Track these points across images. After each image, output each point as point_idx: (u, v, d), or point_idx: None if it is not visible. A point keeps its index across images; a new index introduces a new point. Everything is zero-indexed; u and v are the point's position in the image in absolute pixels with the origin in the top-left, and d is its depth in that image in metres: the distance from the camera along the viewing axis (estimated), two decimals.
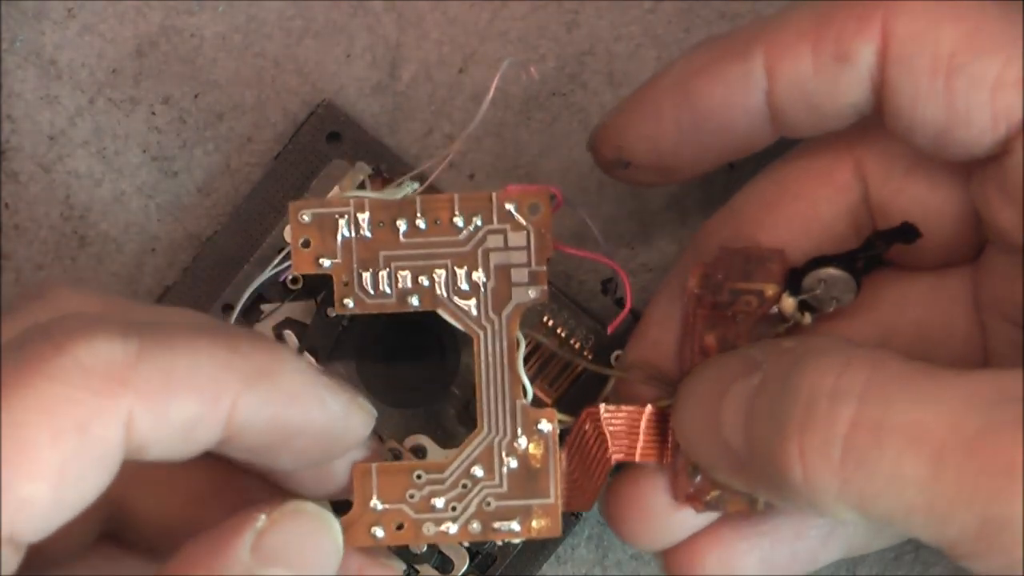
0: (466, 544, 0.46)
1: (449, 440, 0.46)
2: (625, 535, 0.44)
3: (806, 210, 0.43)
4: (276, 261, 0.45)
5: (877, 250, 0.42)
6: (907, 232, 0.42)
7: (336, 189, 0.46)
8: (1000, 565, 0.36)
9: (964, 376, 0.36)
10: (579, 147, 0.48)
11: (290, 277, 0.46)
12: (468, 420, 0.46)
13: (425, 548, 0.45)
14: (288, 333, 0.46)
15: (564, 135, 0.48)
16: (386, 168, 0.46)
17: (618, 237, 0.48)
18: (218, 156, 0.48)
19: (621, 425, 0.43)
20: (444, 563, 0.46)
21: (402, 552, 0.45)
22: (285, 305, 0.46)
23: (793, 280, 0.42)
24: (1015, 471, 0.35)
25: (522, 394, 0.42)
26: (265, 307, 0.46)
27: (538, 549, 0.47)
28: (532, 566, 0.47)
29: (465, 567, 0.46)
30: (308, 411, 0.38)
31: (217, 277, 0.46)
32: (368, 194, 0.41)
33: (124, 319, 0.36)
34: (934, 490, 0.35)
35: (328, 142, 0.47)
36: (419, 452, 0.45)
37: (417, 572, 0.46)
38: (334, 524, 0.40)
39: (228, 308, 0.46)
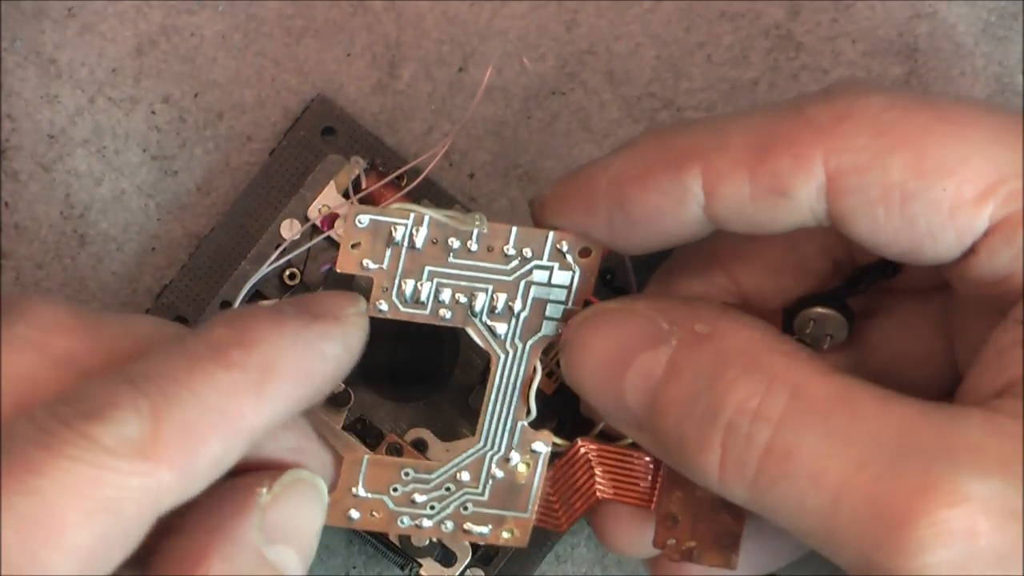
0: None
1: (450, 433, 0.46)
2: (610, 546, 0.45)
3: (782, 246, 0.43)
4: (273, 257, 0.45)
5: (860, 288, 0.43)
6: (887, 268, 0.42)
7: (331, 185, 0.46)
8: None
9: (881, 408, 0.37)
10: (579, 146, 0.48)
11: (289, 270, 0.46)
12: (469, 413, 0.46)
13: (427, 542, 0.45)
14: None
15: (564, 134, 0.48)
16: (382, 162, 0.46)
17: None
18: (218, 155, 0.48)
19: (612, 464, 0.43)
20: (447, 556, 0.46)
21: (405, 546, 0.45)
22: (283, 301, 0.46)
23: (784, 321, 0.43)
24: (902, 529, 0.36)
25: (525, 415, 0.43)
26: (263, 303, 0.46)
27: (538, 546, 0.47)
28: (531, 564, 0.47)
29: (467, 561, 0.46)
30: (315, 375, 0.38)
31: (214, 274, 0.46)
32: (431, 211, 0.41)
33: (111, 354, 0.37)
34: (829, 525, 0.37)
35: (323, 137, 0.47)
36: (419, 445, 0.45)
37: (420, 565, 0.46)
38: (324, 491, 0.40)
39: (226, 304, 0.46)
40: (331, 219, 0.46)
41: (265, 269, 0.45)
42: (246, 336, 0.37)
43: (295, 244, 0.45)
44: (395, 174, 0.45)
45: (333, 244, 0.46)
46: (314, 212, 0.46)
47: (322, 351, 0.39)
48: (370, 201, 0.45)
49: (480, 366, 0.46)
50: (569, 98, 0.48)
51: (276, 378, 0.37)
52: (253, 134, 0.48)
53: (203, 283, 0.46)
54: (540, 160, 0.48)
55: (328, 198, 0.46)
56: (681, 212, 0.40)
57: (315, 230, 0.46)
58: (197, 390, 0.36)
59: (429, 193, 0.46)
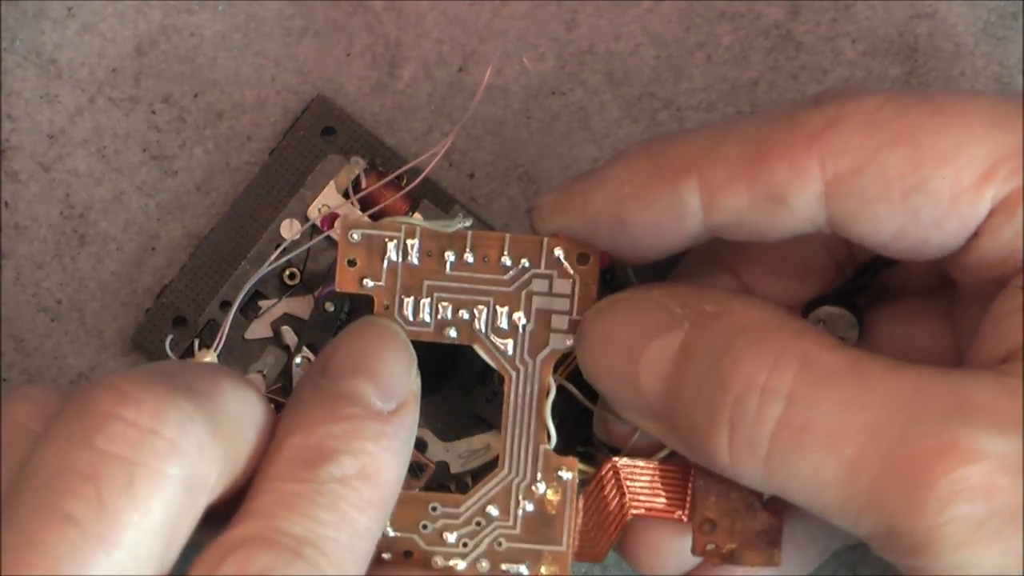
0: None
1: (449, 433, 0.46)
2: (640, 568, 0.44)
3: (785, 248, 0.43)
4: (273, 257, 0.45)
5: (867, 279, 0.43)
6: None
7: (331, 184, 0.46)
8: (907, 567, 0.37)
9: (891, 374, 0.38)
10: (579, 146, 0.48)
11: (289, 270, 0.46)
12: (468, 413, 0.46)
13: None
14: (286, 329, 0.46)
15: (564, 134, 0.48)
16: (381, 162, 0.46)
17: None
18: (218, 155, 0.48)
19: (642, 481, 0.43)
20: None
21: None
22: (283, 301, 0.46)
23: None
24: (922, 490, 0.36)
25: (546, 439, 0.42)
26: (263, 303, 0.46)
27: None
28: None
29: None
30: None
31: (214, 274, 0.46)
32: (420, 222, 0.42)
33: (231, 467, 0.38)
34: (848, 494, 0.37)
35: (323, 137, 0.47)
36: (419, 445, 0.45)
37: None
38: None
39: (226, 305, 0.46)
40: (331, 219, 0.46)
41: (265, 269, 0.45)
42: (370, 467, 0.38)
43: (295, 244, 0.45)
44: (395, 174, 0.45)
45: (333, 244, 0.46)
46: (314, 212, 0.46)
47: (411, 443, 0.40)
48: (370, 201, 0.45)
49: (480, 367, 0.46)
50: (569, 98, 0.48)
51: (393, 496, 0.39)
52: (253, 134, 0.48)
53: (203, 283, 0.46)
54: (540, 160, 0.48)
55: (328, 198, 0.46)
56: (681, 226, 0.40)
57: (315, 230, 0.46)
58: (350, 546, 0.37)
59: (429, 193, 0.46)
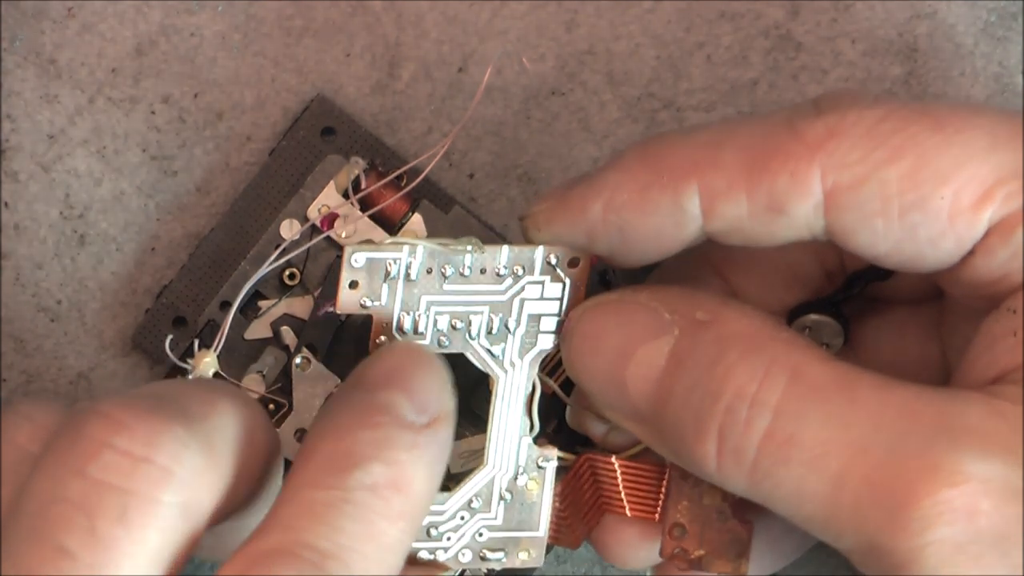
0: None
1: None
2: (609, 558, 0.45)
3: (775, 254, 0.43)
4: (273, 257, 0.45)
5: (854, 291, 0.43)
6: (880, 270, 0.42)
7: (331, 185, 0.46)
8: None
9: (880, 392, 0.38)
10: (579, 147, 0.48)
11: (289, 270, 0.46)
12: (469, 413, 0.46)
13: None
14: (286, 329, 0.46)
15: (563, 134, 0.48)
16: (381, 162, 0.46)
17: None
18: (217, 155, 0.48)
19: (615, 477, 0.43)
20: None
21: None
22: (283, 301, 0.46)
23: None
24: (905, 509, 0.36)
25: (529, 431, 0.43)
26: (263, 303, 0.46)
27: None
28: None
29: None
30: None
31: (214, 274, 0.46)
32: (425, 242, 0.41)
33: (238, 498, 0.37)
34: (830, 508, 0.37)
35: (323, 137, 0.47)
36: None
37: None
38: None
39: (226, 305, 0.46)
40: (331, 219, 0.46)
41: (265, 269, 0.45)
42: (401, 477, 0.37)
43: (295, 244, 0.45)
44: (395, 174, 0.45)
45: (333, 244, 0.46)
46: (314, 212, 0.46)
47: (444, 460, 0.39)
48: (370, 201, 0.45)
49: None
50: (569, 98, 0.48)
51: (423, 512, 0.38)
52: (253, 134, 0.48)
53: (203, 283, 0.46)
54: (540, 160, 0.48)
55: (328, 198, 0.46)
56: (680, 232, 0.40)
57: (315, 230, 0.46)
58: (378, 559, 0.36)
59: (429, 193, 0.46)
